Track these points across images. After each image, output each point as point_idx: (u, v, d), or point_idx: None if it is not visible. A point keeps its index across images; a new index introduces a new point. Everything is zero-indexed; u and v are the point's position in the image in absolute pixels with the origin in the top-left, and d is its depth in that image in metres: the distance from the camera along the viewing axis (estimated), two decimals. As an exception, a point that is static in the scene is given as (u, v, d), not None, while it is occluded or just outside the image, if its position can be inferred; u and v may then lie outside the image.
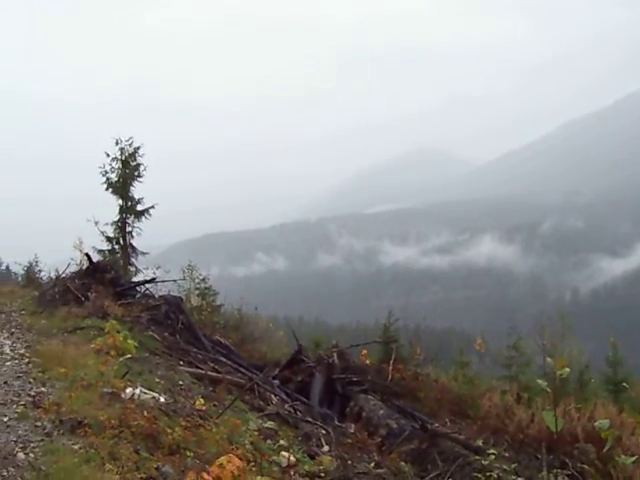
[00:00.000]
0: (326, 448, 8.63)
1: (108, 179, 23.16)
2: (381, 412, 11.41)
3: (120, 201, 23.28)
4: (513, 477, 8.24)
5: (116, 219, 23.25)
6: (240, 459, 5.73)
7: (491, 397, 12.59)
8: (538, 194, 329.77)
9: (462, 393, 13.68)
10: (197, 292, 20.38)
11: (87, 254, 16.10)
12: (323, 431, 9.51)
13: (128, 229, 23.36)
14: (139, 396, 7.08)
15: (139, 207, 23.47)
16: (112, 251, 22.99)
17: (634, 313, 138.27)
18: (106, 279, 14.68)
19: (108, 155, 23.10)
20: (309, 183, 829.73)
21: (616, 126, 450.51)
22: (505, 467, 8.36)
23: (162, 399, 7.41)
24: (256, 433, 7.93)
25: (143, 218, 23.57)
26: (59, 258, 19.94)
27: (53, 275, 17.55)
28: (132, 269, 22.87)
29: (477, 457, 8.72)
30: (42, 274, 22.04)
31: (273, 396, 11.07)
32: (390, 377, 13.68)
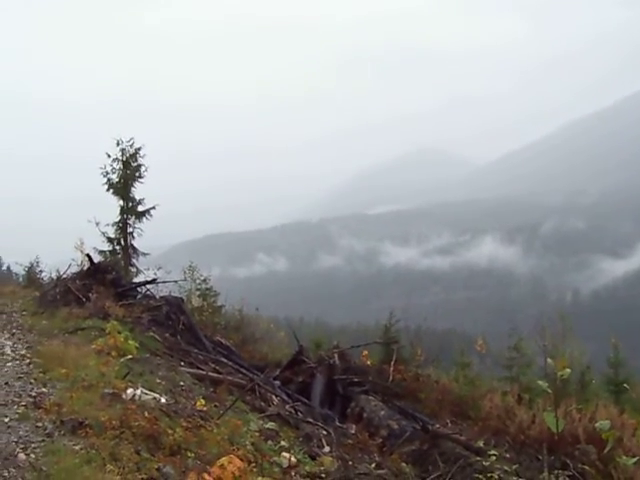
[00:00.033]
0: (327, 449, 8.63)
1: (109, 180, 23.19)
2: (382, 413, 11.41)
3: (121, 202, 23.31)
4: (514, 478, 8.24)
5: (117, 220, 23.28)
6: (241, 460, 5.73)
7: (492, 398, 12.58)
8: (539, 195, 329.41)
9: (463, 394, 13.68)
10: (198, 293, 20.39)
11: (88, 255, 16.12)
12: (324, 432, 9.51)
13: (129, 230, 23.38)
14: (140, 397, 7.08)
15: (140, 208, 23.50)
16: (113, 252, 23.01)
17: (635, 314, 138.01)
18: (107, 280, 14.69)
19: (109, 156, 23.15)
20: (309, 183, 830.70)
21: (617, 126, 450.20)
22: (506, 468, 8.35)
23: (163, 400, 7.41)
24: (257, 434, 7.93)
25: (144, 219, 23.60)
26: (60, 259, 19.97)
27: (54, 276, 17.56)
28: (133, 270, 22.89)
29: (478, 458, 8.72)
30: (43, 275, 22.05)
31: (274, 397, 11.08)
32: (391, 378, 13.68)
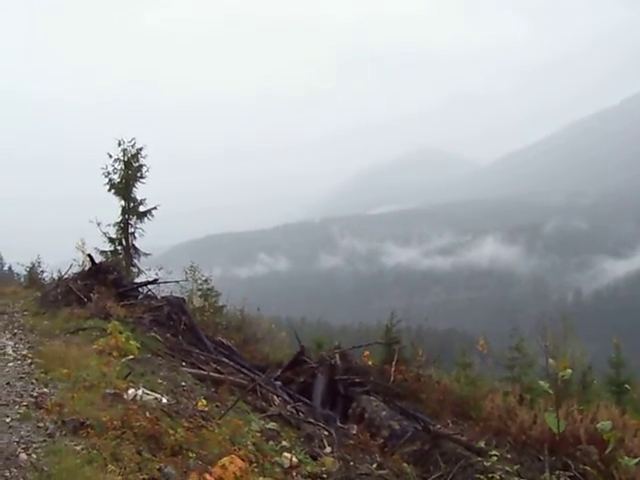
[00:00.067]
0: (328, 449, 8.64)
1: (111, 180, 23.21)
2: (383, 413, 11.41)
3: (122, 202, 23.33)
4: (515, 479, 8.22)
5: (118, 220, 23.30)
6: (242, 460, 5.73)
7: (493, 398, 12.56)
8: (541, 195, 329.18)
9: (464, 394, 13.66)
10: (199, 293, 20.37)
11: (89, 255, 16.13)
12: (325, 432, 9.51)
13: (130, 230, 23.40)
14: (141, 397, 7.08)
15: (141, 208, 23.52)
16: (114, 252, 23.02)
17: (637, 314, 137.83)
18: (108, 280, 14.70)
19: (111, 156, 23.17)
20: (310, 183, 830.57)
21: (619, 127, 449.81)
22: (507, 469, 8.34)
23: (164, 400, 7.42)
24: (258, 434, 7.93)
25: (145, 219, 23.62)
26: (61, 259, 19.99)
27: (55, 276, 17.56)
28: (134, 270, 22.90)
29: (479, 458, 8.71)
30: (44, 275, 22.09)
31: (275, 397, 11.07)
32: (392, 378, 13.66)
